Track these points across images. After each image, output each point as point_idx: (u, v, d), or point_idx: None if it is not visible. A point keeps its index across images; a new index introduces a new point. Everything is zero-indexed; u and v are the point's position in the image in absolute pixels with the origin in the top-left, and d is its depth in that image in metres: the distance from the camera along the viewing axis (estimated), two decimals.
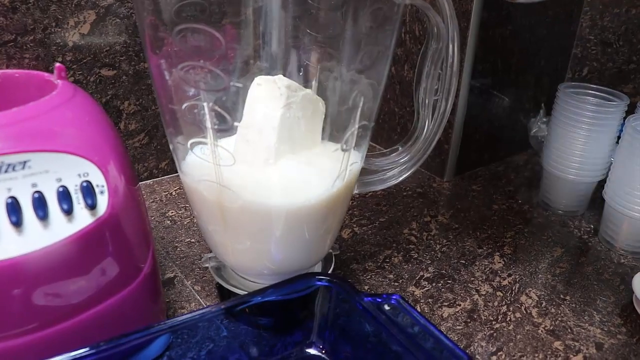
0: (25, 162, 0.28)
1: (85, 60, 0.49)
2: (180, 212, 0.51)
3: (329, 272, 0.39)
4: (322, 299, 0.34)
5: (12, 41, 0.45)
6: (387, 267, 0.45)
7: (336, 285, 0.34)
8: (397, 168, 0.37)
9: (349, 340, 0.33)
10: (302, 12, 0.31)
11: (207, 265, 0.39)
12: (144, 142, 0.55)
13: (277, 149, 0.32)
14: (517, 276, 0.45)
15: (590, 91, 0.52)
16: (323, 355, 0.34)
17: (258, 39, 0.32)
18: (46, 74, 0.34)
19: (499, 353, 0.37)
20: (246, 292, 0.37)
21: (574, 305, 0.42)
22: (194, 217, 0.50)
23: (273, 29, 0.32)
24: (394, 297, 0.32)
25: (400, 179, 0.37)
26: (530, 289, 0.44)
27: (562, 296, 0.43)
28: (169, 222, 0.50)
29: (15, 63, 0.46)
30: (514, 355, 0.37)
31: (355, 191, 0.37)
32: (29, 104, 0.29)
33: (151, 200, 0.53)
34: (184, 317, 0.31)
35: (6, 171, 0.28)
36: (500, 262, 0.46)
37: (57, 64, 0.33)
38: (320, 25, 0.31)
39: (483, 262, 0.46)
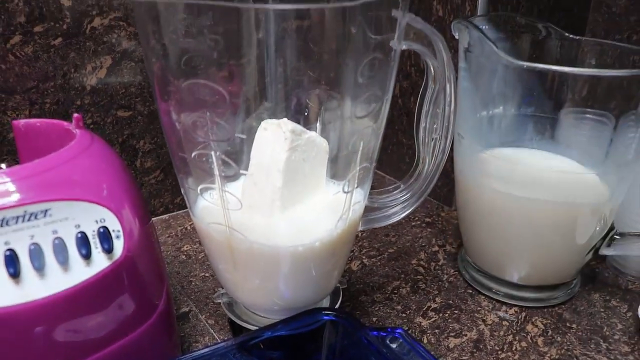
0: (46, 210, 0.30)
1: (102, 103, 0.51)
2: (194, 246, 0.53)
3: (337, 306, 0.40)
4: (329, 333, 0.35)
5: (34, 87, 0.48)
6: (395, 298, 0.46)
7: (342, 319, 0.35)
8: (399, 205, 0.38)
9: None
10: (304, 55, 0.33)
11: (219, 300, 0.40)
12: (159, 178, 0.57)
13: (282, 191, 0.34)
14: (523, 305, 0.46)
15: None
16: None
17: (264, 80, 0.34)
18: (65, 123, 0.36)
19: None
20: (257, 327, 0.38)
21: (580, 333, 0.43)
22: None
23: (277, 71, 0.34)
24: (397, 330, 0.33)
25: (403, 215, 0.38)
26: (536, 317, 0.44)
27: (568, 324, 0.44)
28: (184, 256, 0.52)
29: (37, 108, 0.48)
30: None
31: (360, 228, 0.38)
32: (50, 155, 0.31)
33: (167, 235, 0.55)
34: (198, 352, 0.33)
35: (29, 219, 0.29)
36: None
37: (75, 115, 0.35)
38: (322, 67, 0.33)
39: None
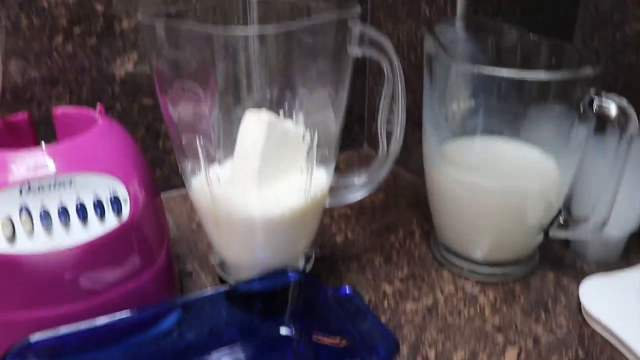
0: (71, 180, 0.39)
1: (130, 92, 0.60)
2: None
3: (307, 270, 0.48)
4: (294, 289, 0.43)
5: (73, 79, 0.57)
6: (368, 267, 0.54)
7: (304, 278, 0.43)
8: (358, 187, 0.45)
9: (313, 322, 0.42)
10: (278, 56, 0.40)
11: (212, 262, 0.49)
12: None
13: (259, 171, 0.41)
14: (482, 280, 0.52)
15: None
16: (292, 335, 0.43)
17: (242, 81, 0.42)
18: (92, 111, 0.45)
19: (445, 342, 0.45)
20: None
21: (525, 305, 0.49)
22: None
23: (258, 69, 0.41)
24: (345, 287, 0.41)
25: (359, 197, 0.46)
26: (490, 290, 0.51)
27: (517, 297, 0.50)
28: (195, 225, 0.61)
29: (75, 95, 0.58)
30: (458, 345, 0.45)
31: (327, 205, 0.46)
32: (76, 137, 0.40)
33: (183, 207, 0.64)
34: (191, 296, 0.42)
35: (58, 187, 0.38)
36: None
37: (99, 105, 0.44)
38: (289, 73, 0.40)
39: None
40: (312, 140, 0.40)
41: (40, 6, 0.53)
